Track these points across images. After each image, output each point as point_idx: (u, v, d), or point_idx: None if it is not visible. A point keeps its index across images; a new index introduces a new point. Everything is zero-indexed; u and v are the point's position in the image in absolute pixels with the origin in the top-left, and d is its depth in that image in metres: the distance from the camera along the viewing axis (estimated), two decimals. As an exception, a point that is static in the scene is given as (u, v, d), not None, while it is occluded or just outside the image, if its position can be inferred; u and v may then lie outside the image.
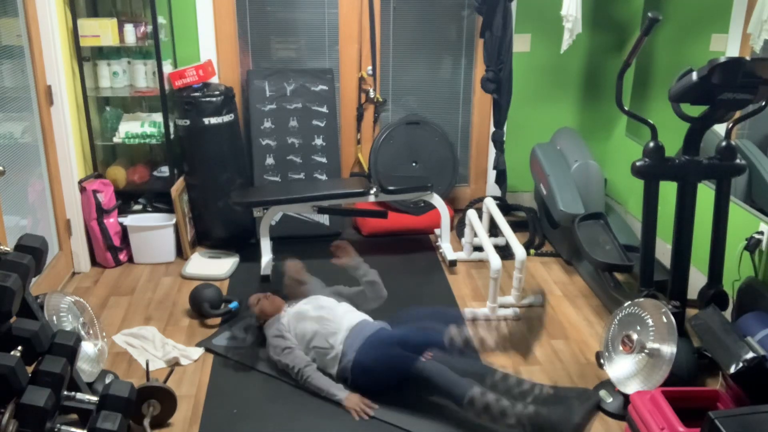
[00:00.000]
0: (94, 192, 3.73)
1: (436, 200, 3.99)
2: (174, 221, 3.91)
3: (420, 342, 2.64)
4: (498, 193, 4.37)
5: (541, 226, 4.35)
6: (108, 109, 4.09)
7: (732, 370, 2.33)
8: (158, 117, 3.96)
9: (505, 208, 4.33)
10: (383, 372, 2.70)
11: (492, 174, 4.46)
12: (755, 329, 2.57)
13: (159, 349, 3.06)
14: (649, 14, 2.55)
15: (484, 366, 2.68)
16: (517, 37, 4.29)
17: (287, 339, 2.87)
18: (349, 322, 2.85)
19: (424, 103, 4.60)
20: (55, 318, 2.41)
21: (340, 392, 2.69)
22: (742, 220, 3.07)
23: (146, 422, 2.48)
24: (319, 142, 4.24)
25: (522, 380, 2.55)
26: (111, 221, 3.83)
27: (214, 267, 3.86)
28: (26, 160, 3.37)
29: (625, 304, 2.73)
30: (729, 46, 3.24)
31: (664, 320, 2.55)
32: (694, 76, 2.53)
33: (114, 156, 4.26)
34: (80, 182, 3.72)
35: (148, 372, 2.61)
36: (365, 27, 4.33)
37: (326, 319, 2.87)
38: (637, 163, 2.72)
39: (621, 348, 2.66)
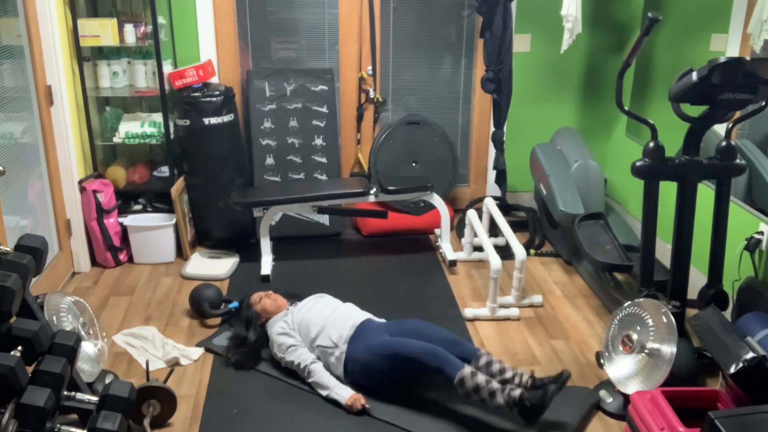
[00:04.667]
0: (94, 192, 3.73)
1: (436, 200, 3.99)
2: (174, 221, 3.91)
3: (424, 362, 2.59)
4: (498, 193, 4.38)
5: (541, 226, 4.35)
6: (108, 109, 4.09)
7: (732, 370, 2.33)
8: (158, 117, 3.96)
9: (505, 208, 4.34)
10: (373, 360, 2.69)
11: (492, 174, 4.46)
12: (755, 329, 2.57)
13: (159, 349, 3.06)
14: (649, 14, 2.55)
15: (472, 347, 2.72)
16: (517, 37, 4.29)
17: (292, 336, 2.88)
18: (353, 320, 2.85)
19: (424, 103, 4.60)
20: (55, 318, 2.41)
21: (344, 391, 2.69)
22: (742, 220, 3.07)
23: (146, 422, 2.48)
24: (319, 142, 4.24)
25: (505, 368, 2.64)
26: (111, 221, 3.83)
27: (214, 267, 3.86)
28: (26, 160, 3.37)
29: (625, 304, 2.73)
30: (729, 46, 3.24)
31: (664, 320, 2.55)
32: (694, 76, 2.53)
33: (114, 156, 4.26)
34: (80, 182, 3.72)
35: (148, 372, 2.61)
36: (365, 27, 4.33)
37: (331, 318, 2.87)
38: (637, 163, 2.72)
39: (621, 348, 2.66)
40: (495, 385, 2.50)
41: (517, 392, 2.46)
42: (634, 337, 2.61)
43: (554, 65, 4.47)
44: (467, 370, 2.52)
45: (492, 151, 4.40)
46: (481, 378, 2.51)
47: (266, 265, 3.81)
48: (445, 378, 2.56)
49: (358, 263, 3.99)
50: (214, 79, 4.12)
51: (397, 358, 2.65)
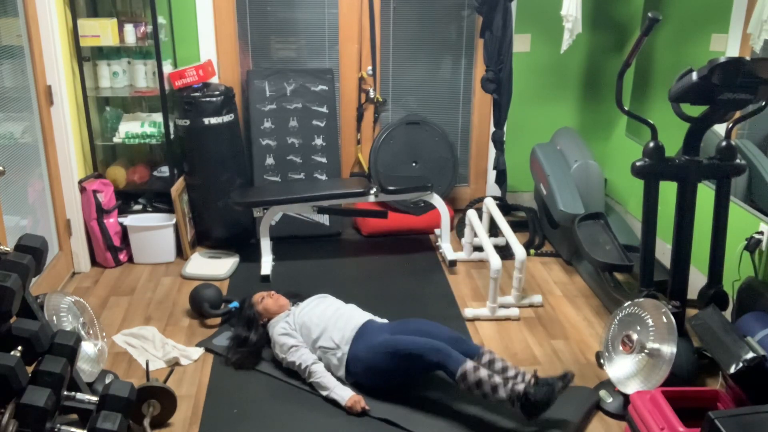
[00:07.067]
0: (94, 192, 3.73)
1: (436, 200, 3.99)
2: (174, 221, 3.91)
3: (426, 358, 2.59)
4: (498, 193, 4.37)
5: (541, 226, 4.35)
6: (108, 109, 4.09)
7: (732, 370, 2.33)
8: (158, 117, 3.96)
9: (505, 208, 4.33)
10: (375, 358, 2.69)
11: (492, 174, 4.46)
12: (755, 329, 2.57)
13: (159, 349, 3.06)
14: (649, 14, 2.55)
15: (474, 346, 2.72)
16: (517, 37, 4.28)
17: (294, 337, 2.88)
18: (355, 322, 2.85)
19: (424, 103, 4.60)
20: (55, 318, 2.41)
21: (345, 392, 2.69)
22: (742, 220, 3.07)
23: (146, 422, 2.48)
24: (319, 142, 4.24)
25: (508, 366, 2.63)
26: (111, 221, 3.83)
27: (214, 267, 3.86)
28: (26, 160, 3.37)
29: (625, 304, 2.73)
30: (729, 46, 3.24)
31: (664, 320, 2.55)
32: (694, 76, 2.53)
33: (114, 156, 4.26)
34: (80, 182, 3.72)
35: (148, 372, 2.61)
36: (365, 27, 4.33)
37: (333, 319, 2.87)
38: (637, 163, 2.72)
39: (621, 348, 2.66)
40: (497, 379, 2.50)
41: (521, 386, 2.46)
42: (634, 337, 2.61)
43: (554, 65, 4.47)
44: (469, 364, 2.53)
45: (492, 151, 4.40)
46: (483, 372, 2.51)
47: (266, 265, 3.81)
48: (447, 373, 2.56)
49: (358, 263, 3.99)
50: (214, 79, 4.12)
51: (399, 355, 2.64)
